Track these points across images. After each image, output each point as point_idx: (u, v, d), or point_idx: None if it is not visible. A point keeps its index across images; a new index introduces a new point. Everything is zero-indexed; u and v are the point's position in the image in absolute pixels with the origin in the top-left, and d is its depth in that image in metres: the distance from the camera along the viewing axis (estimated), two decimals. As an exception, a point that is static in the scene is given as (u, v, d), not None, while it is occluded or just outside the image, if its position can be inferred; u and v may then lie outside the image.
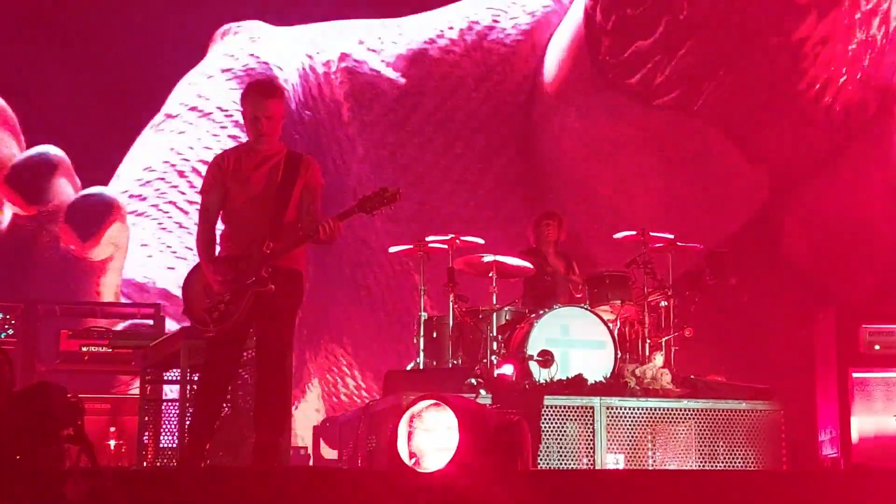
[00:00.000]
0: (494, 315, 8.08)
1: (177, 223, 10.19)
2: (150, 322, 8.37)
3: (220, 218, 5.71)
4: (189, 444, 5.65)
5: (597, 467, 7.13)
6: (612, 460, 7.30)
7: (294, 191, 5.56)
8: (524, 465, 5.62)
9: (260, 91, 5.69)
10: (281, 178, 5.57)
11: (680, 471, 7.10)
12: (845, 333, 7.80)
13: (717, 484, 5.03)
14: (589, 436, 7.23)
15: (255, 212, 5.56)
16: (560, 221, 8.99)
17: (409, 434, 5.63)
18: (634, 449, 7.36)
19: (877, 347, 7.78)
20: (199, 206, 5.82)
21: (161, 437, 7.15)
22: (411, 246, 8.51)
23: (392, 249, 8.84)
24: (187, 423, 6.16)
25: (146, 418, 7.17)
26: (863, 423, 7.54)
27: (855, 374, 7.71)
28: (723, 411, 7.43)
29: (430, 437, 5.58)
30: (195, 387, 6.31)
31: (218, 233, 5.67)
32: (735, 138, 10.11)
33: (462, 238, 8.36)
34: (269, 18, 11.48)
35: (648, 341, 8.05)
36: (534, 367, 7.69)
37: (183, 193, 10.36)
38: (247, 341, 5.70)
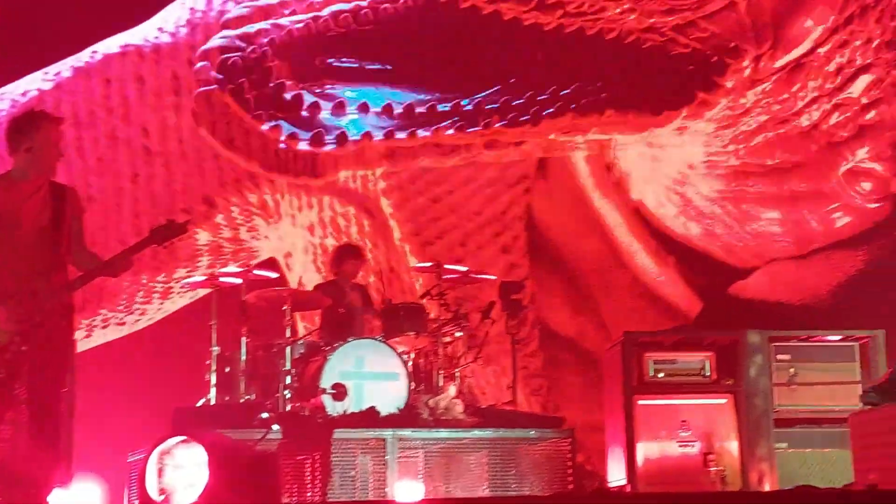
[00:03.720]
0: (288, 349, 8.05)
1: None
2: None
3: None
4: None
5: (388, 499, 7.13)
6: (409, 489, 7.31)
7: (65, 222, 5.46)
8: (276, 499, 5.63)
9: (55, 119, 5.58)
10: (52, 210, 5.45)
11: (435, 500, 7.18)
12: (631, 362, 8.04)
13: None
14: (381, 468, 7.24)
15: (29, 245, 5.40)
16: (361, 256, 9.07)
17: (160, 471, 5.60)
18: (427, 479, 7.41)
19: (661, 375, 8.04)
20: None
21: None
22: (204, 278, 8.41)
23: (184, 282, 8.72)
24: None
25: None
26: (647, 449, 7.76)
27: (640, 402, 7.94)
28: (513, 439, 7.55)
29: (181, 474, 5.56)
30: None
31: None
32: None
33: (256, 271, 8.30)
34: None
35: (442, 372, 8.14)
36: (327, 400, 7.68)
37: None
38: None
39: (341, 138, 8.86)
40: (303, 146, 8.93)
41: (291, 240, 10.77)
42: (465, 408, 7.90)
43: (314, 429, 7.27)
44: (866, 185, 9.77)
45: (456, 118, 9.03)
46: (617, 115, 9.14)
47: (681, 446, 7.77)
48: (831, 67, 9.48)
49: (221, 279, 8.28)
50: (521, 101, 9.05)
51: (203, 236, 10.33)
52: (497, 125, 9.01)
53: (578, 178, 10.38)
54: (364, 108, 8.93)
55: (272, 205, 10.53)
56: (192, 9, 10.81)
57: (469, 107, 9.03)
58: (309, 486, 7.06)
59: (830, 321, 8.55)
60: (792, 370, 7.98)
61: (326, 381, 7.73)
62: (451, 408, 7.83)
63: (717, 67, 9.35)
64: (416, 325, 8.25)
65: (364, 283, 9.24)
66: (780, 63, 9.40)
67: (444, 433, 7.51)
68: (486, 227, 10.24)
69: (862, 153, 9.75)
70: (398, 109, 8.99)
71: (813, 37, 9.40)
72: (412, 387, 7.91)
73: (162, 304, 10.34)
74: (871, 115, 9.78)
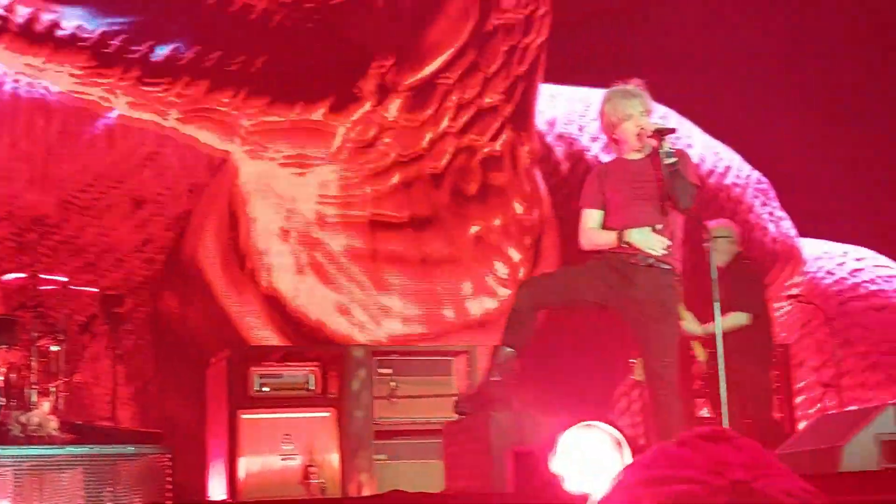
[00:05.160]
0: None
1: None
2: None
3: None
4: None
5: None
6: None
7: None
8: None
9: None
10: None
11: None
12: (236, 376, 7.98)
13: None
14: (-36, 488, 6.81)
15: None
16: None
17: None
18: (17, 499, 7.03)
19: (266, 389, 8.04)
20: None
21: None
22: None
23: None
24: None
25: None
26: (250, 463, 7.73)
27: (244, 416, 7.90)
28: (110, 456, 7.29)
29: None
30: None
31: None
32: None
33: None
34: None
35: (36, 387, 7.76)
36: None
37: None
38: None
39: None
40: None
41: None
42: (60, 424, 7.57)
43: None
44: (501, 269, 9.88)
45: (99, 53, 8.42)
46: (251, 98, 8.83)
47: (283, 459, 7.80)
48: (452, 101, 9.55)
49: None
50: (161, 59, 8.58)
51: None
52: (134, 78, 8.47)
53: (207, 275, 10.06)
54: None
55: None
56: None
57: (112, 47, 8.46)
58: None
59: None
60: (393, 383, 8.19)
61: None
62: (45, 424, 7.47)
63: (355, 72, 9.21)
64: (7, 338, 7.81)
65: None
66: (408, 82, 9.39)
67: (35, 450, 7.15)
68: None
69: (496, 223, 9.90)
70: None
71: (441, 58, 9.44)
72: (2, 403, 7.49)
73: None
74: (500, 177, 9.85)
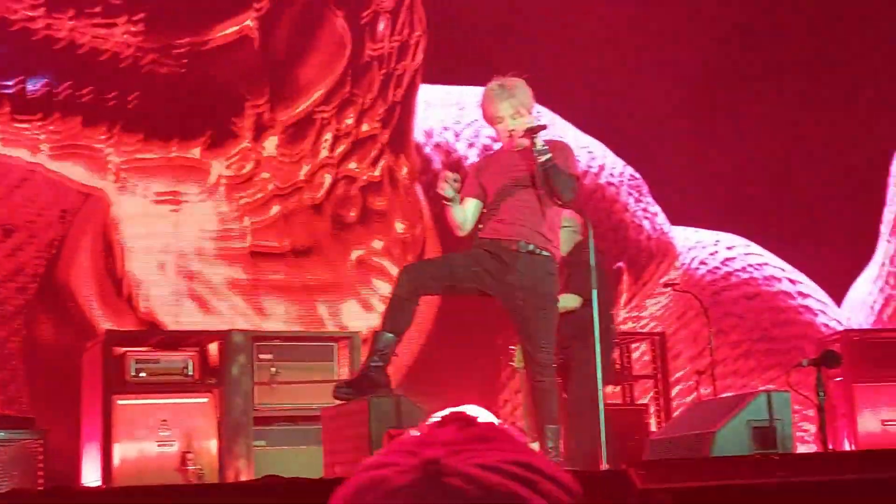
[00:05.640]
0: None
1: None
2: None
3: None
4: None
5: None
6: None
7: None
8: None
9: None
10: None
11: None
12: (112, 361, 7.83)
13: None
14: None
15: None
16: None
17: None
18: None
19: (143, 375, 7.90)
20: None
21: None
22: None
23: None
24: None
25: None
26: (125, 449, 7.60)
27: (120, 402, 7.74)
28: (-21, 442, 7.14)
29: None
30: None
31: None
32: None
33: None
34: None
35: None
36: None
37: None
38: None
39: None
40: None
41: None
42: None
43: None
44: (383, 288, 9.87)
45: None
46: (126, 134, 8.75)
47: (159, 446, 7.68)
48: (330, 133, 9.62)
49: None
50: (33, 94, 8.44)
51: None
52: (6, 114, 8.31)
53: (81, 301, 9.73)
54: None
55: None
56: None
57: None
58: None
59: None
60: (273, 369, 8.12)
61: None
62: (-89, 409, 7.29)
63: (230, 111, 9.25)
64: None
65: None
66: (284, 118, 9.36)
67: None
68: None
69: (377, 245, 9.91)
70: None
71: (317, 94, 9.53)
72: None
73: None
74: (380, 201, 9.91)
